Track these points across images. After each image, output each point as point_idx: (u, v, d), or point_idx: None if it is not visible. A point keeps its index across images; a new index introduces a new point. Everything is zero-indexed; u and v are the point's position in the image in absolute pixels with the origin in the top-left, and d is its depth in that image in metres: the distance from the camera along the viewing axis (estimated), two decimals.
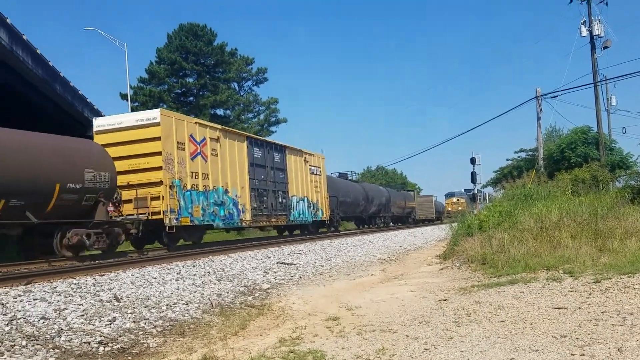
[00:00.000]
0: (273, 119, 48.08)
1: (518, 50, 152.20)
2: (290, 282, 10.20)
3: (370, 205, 34.23)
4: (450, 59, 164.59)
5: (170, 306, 7.21)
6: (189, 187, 15.13)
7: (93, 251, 12.68)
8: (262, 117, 47.70)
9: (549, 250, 9.65)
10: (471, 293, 7.51)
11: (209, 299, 7.91)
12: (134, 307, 6.92)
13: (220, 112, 44.60)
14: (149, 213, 13.96)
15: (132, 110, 34.45)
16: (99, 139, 14.57)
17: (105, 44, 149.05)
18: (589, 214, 11.07)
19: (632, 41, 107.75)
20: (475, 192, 37.96)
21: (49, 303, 6.70)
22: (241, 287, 9.22)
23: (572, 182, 19.15)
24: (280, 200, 20.88)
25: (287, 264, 12.30)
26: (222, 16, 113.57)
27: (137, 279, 8.90)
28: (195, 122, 16.28)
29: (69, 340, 5.50)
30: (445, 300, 7.23)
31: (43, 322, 5.89)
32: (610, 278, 7.14)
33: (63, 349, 5.28)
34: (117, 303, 7.07)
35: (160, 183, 14.11)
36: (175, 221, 14.32)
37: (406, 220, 46.15)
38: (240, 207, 17.83)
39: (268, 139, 25.00)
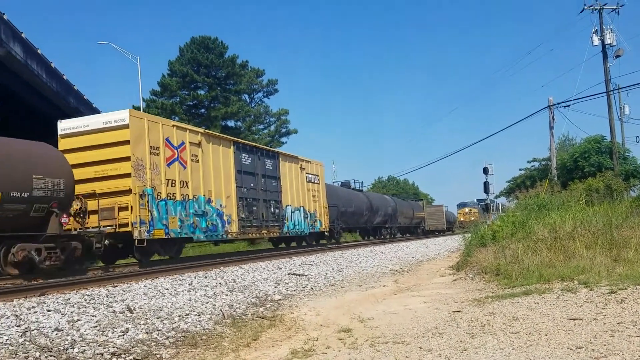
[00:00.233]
0: (284, 130, 48.29)
1: (530, 58, 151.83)
2: (302, 293, 10.17)
3: (375, 216, 32.67)
4: (461, 69, 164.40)
5: (183, 317, 7.21)
6: (163, 196, 13.73)
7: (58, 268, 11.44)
8: (272, 128, 47.91)
9: (564, 260, 9.55)
10: (485, 304, 7.44)
11: (220, 310, 7.90)
12: (146, 318, 6.93)
13: (231, 123, 44.90)
14: (116, 225, 12.64)
15: None
16: (64, 144, 13.48)
17: (119, 57, 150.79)
18: (604, 223, 10.95)
19: None
20: (488, 202, 37.74)
21: (62, 314, 6.74)
22: (253, 298, 9.21)
23: (586, 191, 19.01)
24: (272, 210, 19.39)
25: (299, 275, 12.27)
26: (233, 28, 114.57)
27: (150, 290, 8.92)
28: (173, 125, 14.91)
29: (82, 352, 5.51)
30: (458, 311, 7.17)
31: (56, 334, 5.91)
32: (625, 288, 7.05)
33: None
34: (130, 314, 7.08)
35: (128, 192, 12.78)
36: (146, 234, 12.93)
37: (415, 231, 44.68)
38: (225, 218, 16.39)
39: (259, 144, 23.77)
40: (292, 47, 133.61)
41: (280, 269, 13.18)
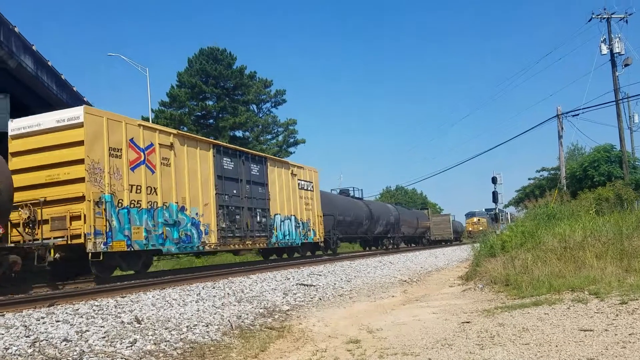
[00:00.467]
0: (291, 140, 48.34)
1: (539, 67, 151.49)
2: (310, 304, 10.14)
3: (375, 225, 31.16)
4: (469, 78, 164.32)
5: (191, 328, 7.21)
6: (126, 203, 12.33)
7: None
8: (280, 138, 48.01)
9: (574, 270, 9.47)
10: (494, 315, 7.38)
11: (228, 320, 7.89)
12: (154, 329, 6.93)
13: (239, 133, 45.03)
14: (68, 236, 11.30)
15: None
16: (15, 145, 12.36)
17: (128, 69, 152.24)
18: (614, 233, 10.86)
19: None
20: (497, 211, 37.54)
21: (71, 325, 6.75)
22: (261, 308, 9.19)
23: (596, 201, 18.90)
24: (258, 219, 17.97)
25: (307, 285, 12.24)
26: (241, 38, 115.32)
27: (158, 301, 8.93)
28: (139, 124, 13.32)
29: None
30: (468, 322, 7.11)
31: (65, 344, 5.92)
32: (637, 299, 6.98)
33: None
34: (138, 325, 7.09)
35: (82, 199, 11.42)
36: (103, 246, 11.52)
37: (419, 241, 43.62)
38: (202, 227, 14.94)
39: (244, 148, 22.28)
40: (300, 57, 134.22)
41: (289, 279, 13.15)
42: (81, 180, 11.53)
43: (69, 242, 11.31)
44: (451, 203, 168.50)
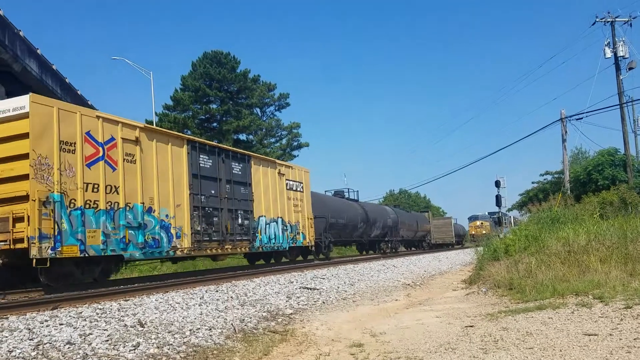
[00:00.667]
0: (295, 144, 48.40)
1: (542, 71, 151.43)
2: (314, 308, 10.13)
3: (372, 228, 29.80)
4: (474, 81, 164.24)
5: (194, 331, 7.21)
6: (79, 203, 11.01)
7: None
8: (284, 141, 48.08)
9: (578, 274, 9.44)
10: (498, 319, 7.36)
11: (231, 324, 7.89)
12: (157, 333, 6.93)
13: (243, 137, 45.13)
14: (10, 240, 10.20)
15: None
16: None
17: (132, 72, 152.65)
18: (618, 237, 10.82)
19: None
20: (500, 215, 37.46)
21: (74, 328, 6.76)
22: (264, 312, 9.19)
23: (600, 204, 18.83)
24: (240, 221, 16.72)
25: (310, 289, 12.23)
26: (244, 42, 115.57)
27: (161, 304, 8.93)
28: (97, 116, 11.95)
29: None
30: (471, 326, 7.10)
31: (68, 347, 5.93)
32: None
33: None
34: (141, 328, 7.09)
35: (26, 198, 10.29)
36: (50, 251, 10.27)
37: (419, 244, 42.47)
38: (173, 230, 13.68)
39: (225, 145, 20.72)
40: (302, 60, 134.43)
41: (292, 282, 13.14)
42: (25, 177, 10.36)
43: (12, 246, 10.22)
44: (454, 207, 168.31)
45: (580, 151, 51.75)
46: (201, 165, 15.22)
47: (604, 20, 29.83)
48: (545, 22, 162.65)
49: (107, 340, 6.32)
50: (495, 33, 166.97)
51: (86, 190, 11.32)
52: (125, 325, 7.17)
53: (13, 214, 10.33)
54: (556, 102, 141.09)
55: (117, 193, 12.11)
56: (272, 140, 47.85)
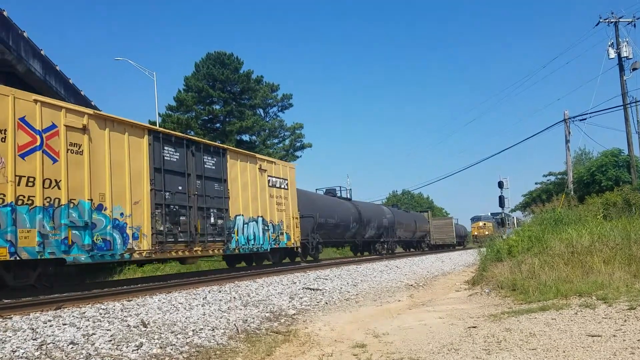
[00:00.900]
0: (298, 144, 48.45)
1: (546, 72, 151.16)
2: (317, 308, 10.13)
3: (366, 228, 28.36)
4: (476, 82, 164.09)
5: (197, 332, 7.22)
6: (10, 199, 9.79)
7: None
8: (287, 142, 48.12)
9: (581, 275, 9.42)
10: (501, 320, 7.35)
11: (234, 324, 7.89)
12: (160, 333, 6.95)
13: (246, 138, 45.19)
14: None
15: None
16: None
17: (135, 73, 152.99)
18: (622, 238, 10.80)
19: None
20: (503, 216, 37.40)
21: (77, 328, 6.77)
22: (267, 312, 9.19)
23: (604, 205, 18.79)
24: (212, 221, 15.21)
25: (313, 290, 12.23)
26: (248, 43, 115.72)
27: (164, 304, 8.94)
28: (35, 100, 10.59)
29: None
30: (474, 327, 7.08)
31: (72, 347, 5.94)
32: None
33: None
34: (144, 328, 7.10)
35: None
36: None
37: (418, 245, 41.23)
38: (129, 231, 12.20)
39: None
40: (304, 61, 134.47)
41: (295, 283, 13.15)
42: None
43: None
44: (458, 207, 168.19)
45: (583, 152, 51.73)
46: (166, 158, 13.74)
47: (607, 20, 29.78)
48: (546, 23, 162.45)
49: (110, 341, 6.34)
50: (495, 33, 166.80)
51: (19, 185, 10.02)
52: (129, 325, 7.18)
53: None
54: (560, 102, 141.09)
55: (59, 188, 10.72)
56: (275, 141, 47.91)
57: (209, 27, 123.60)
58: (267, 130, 46.53)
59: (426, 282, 15.75)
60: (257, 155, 18.50)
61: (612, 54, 29.46)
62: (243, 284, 12.34)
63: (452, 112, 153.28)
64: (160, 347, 6.32)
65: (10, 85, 10.94)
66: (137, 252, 12.41)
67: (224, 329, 7.58)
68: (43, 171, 10.46)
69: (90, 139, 11.55)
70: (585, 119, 30.11)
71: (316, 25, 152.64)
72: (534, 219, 19.15)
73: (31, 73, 18.80)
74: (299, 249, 20.78)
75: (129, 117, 12.75)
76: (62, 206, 10.72)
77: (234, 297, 10.30)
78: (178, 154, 14.18)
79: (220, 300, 9.86)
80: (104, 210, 11.65)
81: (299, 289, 12.12)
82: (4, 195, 9.74)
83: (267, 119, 47.92)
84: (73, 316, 7.51)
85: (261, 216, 17.84)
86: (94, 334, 6.55)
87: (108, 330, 6.81)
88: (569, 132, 30.48)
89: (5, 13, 17.19)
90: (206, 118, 44.53)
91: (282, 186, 19.54)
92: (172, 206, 13.67)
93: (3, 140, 9.88)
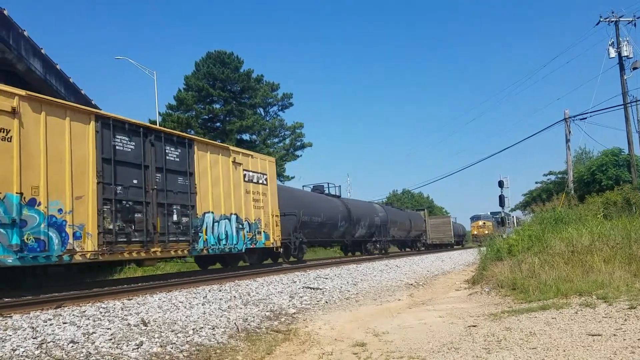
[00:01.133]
0: (298, 144, 48.46)
1: (546, 71, 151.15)
2: (317, 307, 10.13)
3: (355, 227, 26.86)
4: (476, 81, 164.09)
5: (197, 330, 7.22)
6: None
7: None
8: (287, 141, 48.13)
9: (581, 275, 9.42)
10: (501, 319, 7.34)
11: (235, 323, 7.90)
12: (161, 332, 6.95)
13: (246, 137, 45.21)
14: None
15: None
16: None
17: (136, 72, 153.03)
18: (622, 237, 10.79)
19: None
20: (504, 215, 37.40)
21: (78, 327, 6.78)
22: (267, 311, 9.19)
23: (604, 205, 18.79)
24: (175, 218, 13.60)
25: (313, 289, 12.23)
26: (248, 42, 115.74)
27: (164, 303, 8.95)
28: None
29: None
30: (474, 326, 7.08)
31: (72, 346, 5.95)
32: None
33: None
34: (145, 327, 7.11)
35: None
36: None
37: (414, 245, 39.90)
38: (69, 229, 10.63)
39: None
40: (305, 61, 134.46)
41: (295, 282, 13.15)
42: None
43: None
44: (458, 207, 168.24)
45: (584, 151, 51.77)
46: (118, 148, 12.17)
47: (608, 20, 29.77)
48: (546, 23, 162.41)
49: (111, 339, 6.34)
50: (495, 33, 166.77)
51: None
52: (129, 324, 7.19)
53: None
54: (560, 102, 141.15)
55: None
56: (276, 140, 47.93)
57: (209, 26, 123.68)
58: (267, 130, 46.54)
59: (426, 281, 15.75)
60: (231, 147, 17.02)
61: (613, 53, 29.46)
62: (243, 283, 12.34)
63: (452, 112, 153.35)
64: (161, 346, 6.32)
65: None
66: (80, 253, 10.84)
67: (224, 327, 7.59)
68: None
69: (21, 123, 10.00)
70: (585, 118, 30.14)
71: (316, 25, 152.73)
72: (534, 218, 19.15)
73: (31, 72, 18.80)
74: (280, 249, 19.36)
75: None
76: None
77: (234, 296, 10.31)
78: (133, 143, 12.62)
79: (220, 299, 9.87)
80: (38, 206, 10.07)
81: (299, 288, 12.13)
82: None
83: (268, 118, 47.95)
84: (73, 315, 7.51)
85: (235, 214, 16.27)
86: (94, 332, 6.55)
87: (108, 329, 6.81)
88: (569, 132, 30.49)
89: (5, 12, 17.19)
90: (206, 117, 44.54)
91: (260, 181, 17.99)
92: (124, 202, 12.12)
93: None
